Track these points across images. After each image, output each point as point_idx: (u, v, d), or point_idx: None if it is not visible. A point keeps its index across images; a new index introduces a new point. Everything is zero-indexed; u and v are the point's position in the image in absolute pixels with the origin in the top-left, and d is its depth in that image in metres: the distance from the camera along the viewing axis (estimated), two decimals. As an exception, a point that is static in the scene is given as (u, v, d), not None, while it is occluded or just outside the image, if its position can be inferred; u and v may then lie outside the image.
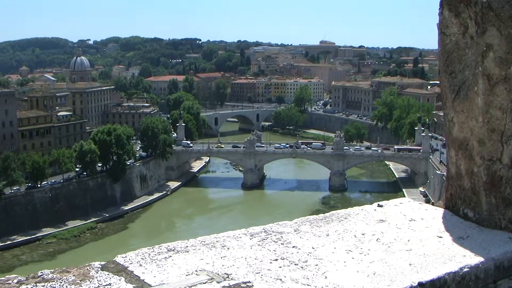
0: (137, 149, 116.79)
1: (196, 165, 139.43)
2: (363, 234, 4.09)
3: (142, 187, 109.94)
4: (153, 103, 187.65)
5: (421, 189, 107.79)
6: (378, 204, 4.86)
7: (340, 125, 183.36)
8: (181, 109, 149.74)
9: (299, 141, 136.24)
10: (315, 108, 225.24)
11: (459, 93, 4.21)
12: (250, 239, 3.98)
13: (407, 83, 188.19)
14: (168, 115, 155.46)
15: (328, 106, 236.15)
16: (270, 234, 4.08)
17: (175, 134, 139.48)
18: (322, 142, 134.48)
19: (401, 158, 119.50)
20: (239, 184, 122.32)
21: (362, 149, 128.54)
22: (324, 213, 4.66)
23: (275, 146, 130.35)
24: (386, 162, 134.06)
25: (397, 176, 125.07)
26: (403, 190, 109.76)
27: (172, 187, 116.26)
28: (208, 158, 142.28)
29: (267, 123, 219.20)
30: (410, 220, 4.39)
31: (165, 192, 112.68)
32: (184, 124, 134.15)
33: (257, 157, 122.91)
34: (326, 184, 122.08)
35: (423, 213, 4.58)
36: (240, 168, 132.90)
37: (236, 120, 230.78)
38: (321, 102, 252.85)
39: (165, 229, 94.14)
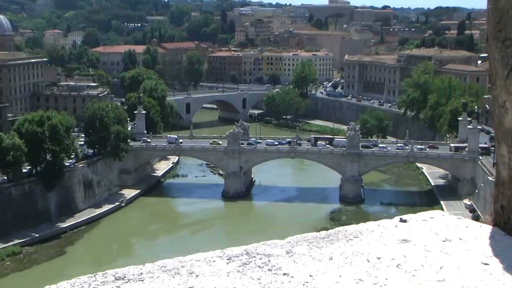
0: (80, 145, 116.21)
1: (161, 167, 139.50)
2: (378, 258, 4.15)
3: (87, 197, 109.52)
4: (103, 83, 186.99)
5: (466, 201, 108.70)
6: (401, 219, 4.96)
7: (355, 115, 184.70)
8: (140, 92, 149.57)
9: (312, 136, 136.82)
10: (321, 92, 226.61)
11: None
12: (227, 263, 4.05)
13: (449, 57, 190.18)
14: (123, 100, 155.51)
15: (339, 89, 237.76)
16: (254, 257, 4.16)
17: (133, 126, 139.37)
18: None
19: (438, 160, 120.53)
20: (218, 193, 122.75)
21: (386, 146, 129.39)
22: (330, 230, 4.73)
23: (268, 143, 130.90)
24: (417, 164, 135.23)
25: (432, 184, 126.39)
26: (441, 202, 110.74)
27: (128, 197, 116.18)
28: (177, 157, 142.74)
29: (256, 111, 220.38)
30: (444, 241, 4.44)
31: (118, 203, 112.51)
32: (144, 112, 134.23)
33: (243, 156, 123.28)
34: (335, 193, 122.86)
35: (462, 231, 4.62)
36: (220, 172, 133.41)
37: (215, 107, 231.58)
38: (330, 83, 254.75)
39: (118, 253, 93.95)
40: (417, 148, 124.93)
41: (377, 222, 4.91)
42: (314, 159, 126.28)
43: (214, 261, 4.07)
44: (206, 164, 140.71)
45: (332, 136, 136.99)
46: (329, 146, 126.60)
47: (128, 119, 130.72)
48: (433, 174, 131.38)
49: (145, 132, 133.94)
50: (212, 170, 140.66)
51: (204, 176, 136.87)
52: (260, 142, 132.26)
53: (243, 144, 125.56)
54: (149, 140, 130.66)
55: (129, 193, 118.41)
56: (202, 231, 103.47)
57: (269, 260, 4.12)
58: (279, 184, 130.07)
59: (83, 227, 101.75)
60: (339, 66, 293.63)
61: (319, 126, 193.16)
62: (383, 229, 4.72)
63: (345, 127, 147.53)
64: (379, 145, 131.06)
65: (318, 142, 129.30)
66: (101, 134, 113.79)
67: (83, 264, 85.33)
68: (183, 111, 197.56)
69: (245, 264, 4.06)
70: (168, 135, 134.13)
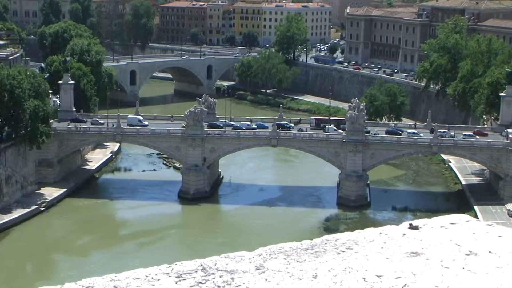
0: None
1: (96, 158, 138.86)
2: (379, 277, 4.24)
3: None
4: (13, 41, 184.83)
5: (509, 206, 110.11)
6: (411, 225, 5.22)
7: (360, 89, 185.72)
8: (67, 54, 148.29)
9: (313, 118, 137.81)
10: (313, 57, 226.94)
11: None
12: (176, 282, 4.20)
13: (489, 10, 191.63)
14: (43, 65, 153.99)
15: (337, 54, 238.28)
16: (213, 274, 4.32)
17: (56, 100, 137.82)
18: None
19: (471, 150, 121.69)
20: (174, 194, 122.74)
21: (418, 133, 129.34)
22: (316, 239, 4.91)
23: (243, 126, 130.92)
24: (443, 156, 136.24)
25: (463, 183, 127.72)
26: (475, 208, 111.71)
27: (50, 198, 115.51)
28: (118, 145, 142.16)
29: (226, 83, 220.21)
30: (467, 254, 4.59)
31: (35, 206, 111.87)
32: (72, 82, 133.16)
33: (208, 144, 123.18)
34: (332, 194, 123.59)
35: (493, 242, 4.73)
36: (177, 165, 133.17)
37: (169, 76, 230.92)
38: (326, 46, 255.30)
39: (34, 275, 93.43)
40: (443, 133, 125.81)
41: (379, 229, 5.06)
42: (304, 148, 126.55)
43: (159, 280, 4.19)
44: (158, 154, 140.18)
45: (342, 118, 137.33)
46: (340, 131, 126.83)
47: (50, 91, 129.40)
48: (465, 170, 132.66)
49: (74, 109, 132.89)
50: (165, 163, 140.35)
51: (154, 170, 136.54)
52: (232, 125, 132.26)
53: (209, 127, 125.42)
54: (101, 120, 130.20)
55: (50, 193, 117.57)
56: (150, 245, 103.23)
57: (232, 279, 4.21)
58: (255, 182, 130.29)
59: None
60: (338, 22, 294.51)
61: (311, 104, 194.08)
62: (387, 238, 4.87)
63: (345, 105, 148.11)
64: (408, 131, 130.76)
65: (325, 126, 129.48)
66: (11, 112, 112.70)
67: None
68: (126, 82, 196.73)
69: (200, 284, 4.17)
70: (129, 115, 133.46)
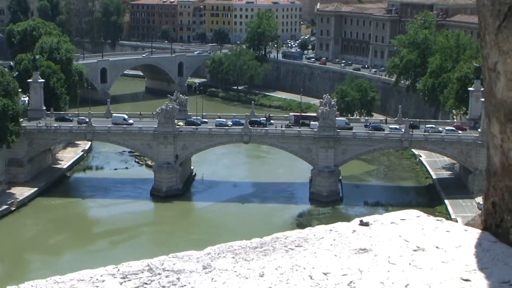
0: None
1: (67, 157, 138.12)
2: (325, 274, 4.21)
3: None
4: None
5: (479, 199, 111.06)
6: (361, 221, 5.09)
7: (331, 84, 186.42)
8: (36, 52, 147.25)
9: (292, 114, 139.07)
10: (284, 53, 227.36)
11: (508, 18, 4.23)
12: (121, 283, 4.13)
13: (457, 5, 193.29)
14: (11, 63, 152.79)
15: (308, 50, 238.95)
16: (159, 274, 4.24)
17: (25, 99, 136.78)
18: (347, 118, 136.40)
19: (441, 144, 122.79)
20: (146, 191, 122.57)
21: (437, 128, 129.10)
22: (266, 237, 4.85)
23: (219, 123, 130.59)
24: (413, 151, 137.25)
25: (434, 177, 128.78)
26: (446, 201, 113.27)
27: (20, 198, 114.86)
28: (89, 143, 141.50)
29: (197, 80, 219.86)
30: (415, 250, 4.55)
31: (6, 206, 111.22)
32: (42, 81, 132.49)
33: (180, 141, 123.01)
34: (304, 190, 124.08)
35: (441, 237, 4.72)
36: (149, 162, 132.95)
37: (140, 74, 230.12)
38: (297, 42, 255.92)
39: (5, 272, 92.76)
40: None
41: (329, 226, 5.00)
42: (276, 144, 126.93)
43: (103, 281, 4.13)
44: (129, 152, 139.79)
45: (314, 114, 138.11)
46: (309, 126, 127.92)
47: (20, 90, 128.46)
48: (435, 164, 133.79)
49: (44, 108, 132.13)
50: (137, 160, 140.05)
51: (126, 168, 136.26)
52: (205, 122, 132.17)
53: (180, 124, 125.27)
54: (86, 119, 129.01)
55: (21, 192, 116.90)
56: (124, 243, 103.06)
57: (178, 279, 4.18)
58: (228, 179, 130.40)
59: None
60: (308, 18, 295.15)
61: (282, 100, 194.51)
62: (337, 235, 4.80)
63: (317, 101, 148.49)
64: (427, 126, 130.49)
65: (304, 122, 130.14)
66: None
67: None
68: (97, 80, 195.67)
69: (145, 284, 4.12)
70: (114, 114, 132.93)
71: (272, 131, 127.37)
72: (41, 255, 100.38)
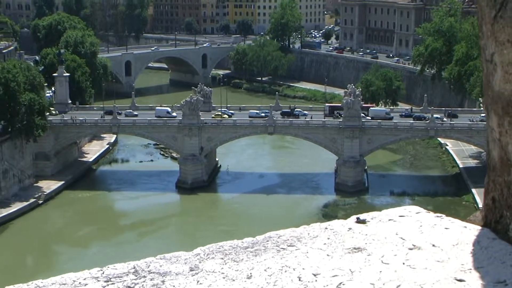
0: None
1: (92, 150, 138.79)
2: (315, 275, 4.12)
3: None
4: (7, 34, 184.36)
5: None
6: (358, 219, 5.01)
7: (356, 74, 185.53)
8: (61, 46, 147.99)
9: (327, 105, 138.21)
10: (308, 43, 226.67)
11: (504, 7, 4.15)
12: (104, 287, 4.10)
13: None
14: (37, 57, 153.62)
15: (333, 40, 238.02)
16: (144, 277, 4.19)
17: (50, 93, 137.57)
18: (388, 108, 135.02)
19: (468, 133, 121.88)
20: (172, 183, 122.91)
21: (471, 118, 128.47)
22: (258, 236, 4.76)
23: (251, 114, 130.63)
24: (440, 140, 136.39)
25: (461, 166, 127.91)
26: (473, 190, 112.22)
27: (48, 191, 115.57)
28: (115, 136, 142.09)
29: (221, 72, 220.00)
30: (410, 249, 4.47)
31: (33, 200, 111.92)
32: (67, 75, 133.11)
33: (205, 133, 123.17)
34: (330, 181, 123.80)
35: (438, 235, 4.65)
36: (174, 155, 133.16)
37: (165, 66, 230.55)
38: (320, 32, 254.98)
39: (35, 267, 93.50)
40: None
41: (325, 224, 4.91)
42: (300, 135, 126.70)
43: (86, 284, 4.09)
44: (155, 145, 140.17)
45: (369, 105, 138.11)
46: (368, 118, 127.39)
47: (45, 84, 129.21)
48: (462, 153, 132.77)
49: (69, 101, 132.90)
50: (162, 153, 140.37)
51: (151, 161, 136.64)
52: (233, 114, 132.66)
53: (224, 117, 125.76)
54: (135, 112, 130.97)
55: (48, 185, 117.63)
56: (150, 235, 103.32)
57: (163, 281, 4.12)
58: (253, 170, 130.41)
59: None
60: (332, 8, 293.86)
61: (307, 91, 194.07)
62: (331, 233, 4.73)
63: (341, 91, 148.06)
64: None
65: (339, 113, 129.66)
66: (6, 105, 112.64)
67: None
68: (121, 73, 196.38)
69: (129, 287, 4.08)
70: (157, 107, 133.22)
71: (297, 121, 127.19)
72: (68, 247, 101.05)
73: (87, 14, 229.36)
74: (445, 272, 4.14)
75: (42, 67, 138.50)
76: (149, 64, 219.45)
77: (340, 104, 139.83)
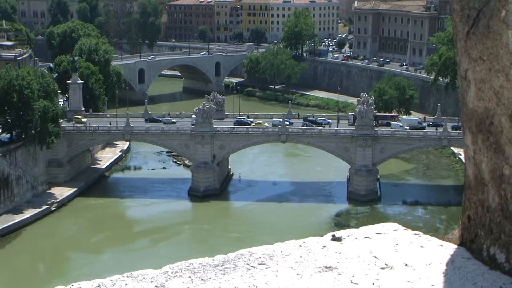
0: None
1: (105, 157, 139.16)
2: None
3: (1, 198, 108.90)
4: (22, 41, 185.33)
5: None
6: (333, 236, 4.95)
7: (369, 83, 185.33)
8: (75, 54, 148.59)
9: (350, 114, 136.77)
10: (327, 52, 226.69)
11: (476, 24, 4.12)
12: None
13: None
14: (51, 65, 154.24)
15: (346, 48, 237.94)
16: None
17: (64, 100, 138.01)
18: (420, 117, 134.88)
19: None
20: (184, 191, 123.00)
21: (422, 125, 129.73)
22: (230, 254, 4.66)
23: (275, 123, 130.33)
24: (453, 149, 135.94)
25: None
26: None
27: (60, 198, 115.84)
28: (128, 143, 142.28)
29: (234, 80, 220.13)
30: (382, 268, 4.40)
31: (46, 206, 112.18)
32: (81, 82, 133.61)
33: (217, 141, 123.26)
34: (342, 189, 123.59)
35: (413, 253, 4.58)
36: (186, 162, 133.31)
37: (178, 74, 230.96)
38: (334, 40, 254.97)
39: (47, 271, 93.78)
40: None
41: (300, 241, 4.83)
42: (313, 143, 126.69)
43: None
44: (167, 152, 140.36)
45: (395, 114, 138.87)
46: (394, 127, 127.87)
47: (59, 91, 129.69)
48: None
49: (83, 109, 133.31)
50: (175, 160, 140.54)
51: (164, 168, 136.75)
52: (251, 122, 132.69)
53: (218, 124, 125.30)
54: (173, 120, 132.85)
55: (61, 192, 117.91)
56: (163, 242, 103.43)
57: None
58: (265, 178, 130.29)
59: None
60: (346, 17, 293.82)
61: (320, 99, 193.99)
62: (305, 251, 4.65)
63: (354, 100, 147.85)
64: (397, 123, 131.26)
65: (385, 122, 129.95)
66: (20, 112, 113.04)
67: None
68: (135, 80, 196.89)
69: None
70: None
71: (310, 130, 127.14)
72: (81, 254, 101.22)
73: (101, 22, 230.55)
74: None
75: (56, 74, 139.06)
76: (163, 72, 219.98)
77: (387, 114, 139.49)
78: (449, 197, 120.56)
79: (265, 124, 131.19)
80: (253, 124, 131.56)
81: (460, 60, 4.35)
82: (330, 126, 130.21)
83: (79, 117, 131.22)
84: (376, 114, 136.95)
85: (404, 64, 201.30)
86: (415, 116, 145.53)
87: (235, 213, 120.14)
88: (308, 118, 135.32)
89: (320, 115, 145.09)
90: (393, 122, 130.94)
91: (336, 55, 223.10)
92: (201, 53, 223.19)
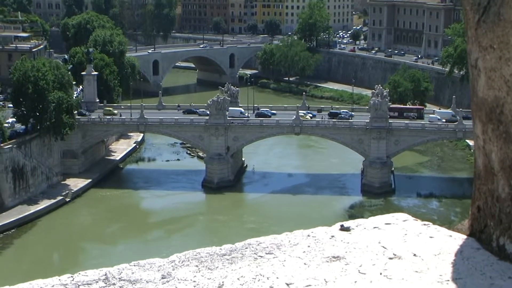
0: (6, 118, 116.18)
1: (120, 148, 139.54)
2: (288, 285, 4.05)
3: (17, 189, 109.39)
4: (37, 33, 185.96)
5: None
6: (342, 226, 4.92)
7: (383, 75, 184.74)
8: (89, 45, 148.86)
9: (392, 106, 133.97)
10: (336, 43, 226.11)
11: (487, 11, 4.11)
12: None
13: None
14: (66, 56, 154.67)
15: (361, 41, 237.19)
16: (114, 284, 4.14)
17: (79, 91, 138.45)
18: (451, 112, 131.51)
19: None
20: (198, 183, 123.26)
21: (436, 118, 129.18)
22: (238, 243, 4.65)
23: (230, 112, 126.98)
24: (468, 141, 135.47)
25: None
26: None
27: (75, 189, 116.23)
28: (142, 135, 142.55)
29: (248, 72, 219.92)
30: (390, 258, 4.39)
31: (61, 197, 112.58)
32: (96, 73, 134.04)
33: (231, 133, 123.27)
34: (356, 181, 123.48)
35: (421, 244, 4.56)
36: (200, 154, 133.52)
37: (192, 65, 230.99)
38: (348, 32, 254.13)
39: (62, 261, 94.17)
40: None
41: (308, 231, 4.82)
42: (327, 135, 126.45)
43: None
44: (181, 144, 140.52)
45: (420, 107, 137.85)
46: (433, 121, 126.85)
47: (74, 82, 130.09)
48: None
49: (97, 100, 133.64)
50: (189, 152, 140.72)
51: (178, 160, 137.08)
52: (274, 114, 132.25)
53: (232, 115, 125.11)
54: (207, 111, 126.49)
55: (76, 183, 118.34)
56: (177, 233, 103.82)
57: None
58: (279, 170, 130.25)
59: (13, 230, 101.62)
60: (360, 8, 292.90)
61: (334, 91, 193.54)
62: (313, 241, 4.64)
63: (369, 92, 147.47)
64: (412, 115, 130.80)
65: (408, 115, 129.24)
66: (35, 103, 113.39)
67: (13, 281, 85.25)
68: (149, 72, 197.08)
69: None
70: (231, 108, 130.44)
71: (324, 122, 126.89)
72: (96, 244, 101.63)
73: (115, 14, 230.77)
74: (422, 283, 4.06)
75: (71, 66, 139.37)
76: (177, 64, 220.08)
77: (399, 106, 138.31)
78: (463, 189, 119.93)
79: (307, 117, 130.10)
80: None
81: (470, 49, 4.37)
82: (351, 119, 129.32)
83: (110, 108, 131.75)
84: (401, 106, 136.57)
85: (419, 56, 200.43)
86: (446, 109, 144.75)
87: (248, 205, 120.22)
88: (331, 111, 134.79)
89: (341, 107, 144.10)
90: (430, 115, 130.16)
91: (343, 46, 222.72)
92: (201, 45, 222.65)
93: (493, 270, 4.18)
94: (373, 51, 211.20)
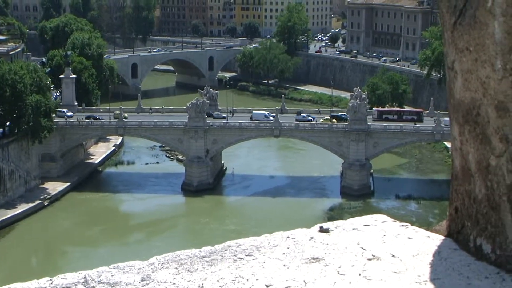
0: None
1: (99, 152, 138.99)
2: (268, 287, 4.08)
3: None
4: (14, 36, 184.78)
5: None
6: (321, 228, 4.93)
7: (362, 78, 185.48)
8: (68, 48, 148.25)
9: (376, 109, 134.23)
10: (315, 46, 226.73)
11: (463, 14, 4.13)
12: None
13: None
14: (44, 59, 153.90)
15: (339, 43, 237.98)
16: (93, 287, 4.14)
17: (57, 95, 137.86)
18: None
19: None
20: (177, 186, 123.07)
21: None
22: (217, 245, 4.65)
23: (298, 118, 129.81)
24: (446, 143, 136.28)
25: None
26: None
27: (53, 193, 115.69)
28: (121, 138, 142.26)
29: (228, 74, 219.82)
30: (369, 259, 4.40)
31: (39, 201, 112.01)
32: (74, 76, 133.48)
33: (210, 136, 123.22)
34: (335, 184, 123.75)
35: (400, 244, 4.59)
36: (180, 157, 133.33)
37: (171, 68, 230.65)
38: (327, 35, 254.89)
39: (40, 264, 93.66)
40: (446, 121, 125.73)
41: (288, 233, 4.83)
42: (306, 138, 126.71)
43: None
44: (160, 147, 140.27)
45: (419, 110, 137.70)
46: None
47: (52, 86, 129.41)
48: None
49: (75, 103, 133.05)
50: (168, 155, 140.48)
51: (157, 163, 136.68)
52: (313, 119, 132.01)
53: (211, 118, 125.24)
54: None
55: (54, 187, 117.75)
56: (157, 235, 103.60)
57: None
58: (259, 173, 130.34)
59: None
60: (339, 11, 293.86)
61: (313, 94, 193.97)
62: (292, 243, 4.64)
63: (347, 94, 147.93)
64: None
65: (409, 118, 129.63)
66: (13, 107, 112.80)
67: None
68: (128, 75, 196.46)
69: None
70: (254, 111, 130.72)
71: (303, 124, 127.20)
72: (75, 248, 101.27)
73: (94, 16, 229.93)
74: (400, 284, 4.08)
75: (49, 69, 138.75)
76: (156, 67, 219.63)
77: (391, 109, 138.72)
78: (441, 191, 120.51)
79: (333, 120, 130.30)
80: (321, 120, 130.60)
81: (447, 51, 4.37)
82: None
83: (119, 112, 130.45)
84: (401, 109, 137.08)
85: (397, 58, 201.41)
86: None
87: (228, 207, 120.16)
88: (332, 114, 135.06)
89: (339, 110, 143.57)
90: (444, 118, 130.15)
91: (364, 57, 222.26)
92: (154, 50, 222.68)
93: (470, 270, 4.21)
94: (354, 52, 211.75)
